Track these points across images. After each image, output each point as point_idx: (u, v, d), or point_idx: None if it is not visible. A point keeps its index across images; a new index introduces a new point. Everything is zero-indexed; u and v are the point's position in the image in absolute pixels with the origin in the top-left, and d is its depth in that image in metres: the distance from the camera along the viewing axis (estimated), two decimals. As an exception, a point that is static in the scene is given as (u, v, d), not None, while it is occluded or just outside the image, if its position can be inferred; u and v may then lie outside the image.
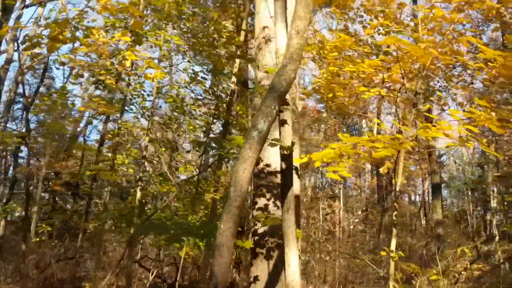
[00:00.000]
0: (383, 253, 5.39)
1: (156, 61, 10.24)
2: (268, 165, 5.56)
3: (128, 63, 6.55)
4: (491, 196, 22.35)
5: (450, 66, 6.33)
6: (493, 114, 4.08)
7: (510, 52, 5.48)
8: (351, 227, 19.41)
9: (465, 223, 27.71)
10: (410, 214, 29.09)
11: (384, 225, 24.41)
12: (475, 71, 6.00)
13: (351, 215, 20.61)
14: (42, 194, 21.16)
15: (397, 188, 5.27)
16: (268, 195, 5.47)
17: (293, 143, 4.25)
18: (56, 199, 21.23)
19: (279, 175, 5.52)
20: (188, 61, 8.69)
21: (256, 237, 5.44)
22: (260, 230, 5.43)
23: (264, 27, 5.91)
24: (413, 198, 33.79)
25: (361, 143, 4.43)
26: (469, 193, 26.63)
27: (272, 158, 5.60)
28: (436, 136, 4.65)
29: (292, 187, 4.22)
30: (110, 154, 9.73)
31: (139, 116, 10.03)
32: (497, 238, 20.51)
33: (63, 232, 15.21)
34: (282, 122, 4.21)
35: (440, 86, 8.15)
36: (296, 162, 5.60)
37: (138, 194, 9.01)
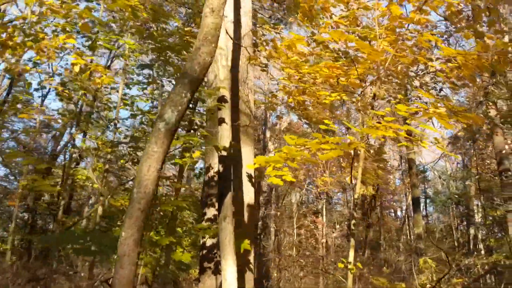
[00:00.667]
0: (340, 265, 4.96)
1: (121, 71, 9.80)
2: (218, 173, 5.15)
3: (76, 68, 6.15)
4: (475, 211, 22.05)
5: (412, 68, 6.01)
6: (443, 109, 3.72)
7: (470, 51, 5.18)
8: (332, 242, 18.94)
9: (451, 238, 27.31)
10: (396, 229, 28.68)
11: (368, 241, 24.00)
12: (437, 72, 5.68)
13: (333, 230, 20.16)
14: (22, 214, 20.42)
15: (355, 196, 4.87)
16: (217, 205, 5.04)
17: (231, 144, 3.85)
18: (36, 219, 20.50)
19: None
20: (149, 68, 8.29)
21: (205, 251, 5.00)
22: (208, 243, 4.99)
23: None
24: (398, 213, 33.46)
25: (308, 145, 4.04)
26: (454, 208, 26.29)
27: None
28: (385, 135, 4.28)
29: (230, 192, 3.81)
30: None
31: (106, 129, 9.61)
32: (482, 252, 20.14)
33: (46, 253, 14.53)
34: (220, 121, 3.82)
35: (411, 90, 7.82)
36: (249, 168, 5.21)
37: (99, 209, 8.53)
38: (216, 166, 5.22)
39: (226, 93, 3.72)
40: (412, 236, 23.76)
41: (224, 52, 3.83)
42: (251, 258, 5.04)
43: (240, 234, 4.87)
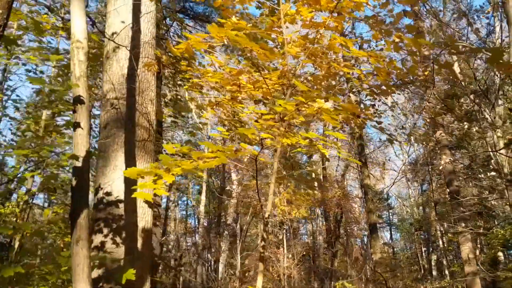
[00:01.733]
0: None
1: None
2: (108, 194, 4.44)
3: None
4: (438, 236, 21.71)
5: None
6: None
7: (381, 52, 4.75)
8: (290, 274, 18.11)
9: (417, 265, 26.85)
10: (361, 257, 28.02)
11: (332, 271, 23.30)
12: (353, 79, 5.24)
13: (295, 261, 19.36)
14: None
15: (266, 215, 4.24)
16: (105, 230, 4.32)
17: (89, 154, 3.19)
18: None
19: (121, 206, 4.42)
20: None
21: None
22: (94, 274, 4.23)
23: (113, 33, 5.01)
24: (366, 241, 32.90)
25: (190, 153, 3.43)
26: (418, 234, 25.92)
27: (115, 185, 4.51)
28: (295, 142, 3.74)
29: (86, 209, 3.11)
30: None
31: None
32: (447, 278, 19.64)
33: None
34: (75, 126, 3.16)
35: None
36: (147, 190, 4.53)
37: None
38: (106, 186, 4.53)
39: (82, 92, 3.11)
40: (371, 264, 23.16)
41: (82, 45, 3.24)
42: (146, 290, 4.31)
43: (128, 262, 4.16)
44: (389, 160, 24.30)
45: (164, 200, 31.78)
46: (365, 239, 31.93)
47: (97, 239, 4.33)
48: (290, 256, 19.86)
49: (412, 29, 5.19)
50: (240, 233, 26.98)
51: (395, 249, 31.24)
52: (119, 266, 4.21)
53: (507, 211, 10.43)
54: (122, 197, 4.43)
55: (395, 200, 32.60)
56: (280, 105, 3.19)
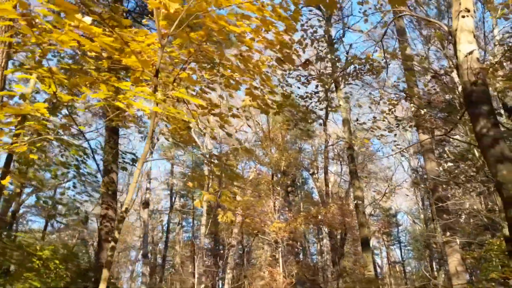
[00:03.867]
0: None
1: None
2: None
3: None
4: (439, 250, 20.18)
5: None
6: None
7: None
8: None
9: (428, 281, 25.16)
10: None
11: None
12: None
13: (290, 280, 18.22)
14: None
15: (123, 208, 3.48)
16: None
17: None
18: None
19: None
20: None
21: None
22: None
23: None
24: (378, 260, 31.21)
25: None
26: (425, 251, 24.35)
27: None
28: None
29: None
30: None
31: None
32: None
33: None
34: None
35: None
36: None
37: None
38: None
39: None
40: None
41: None
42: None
43: None
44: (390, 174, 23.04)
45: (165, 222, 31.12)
46: (375, 257, 30.36)
47: None
48: (286, 275, 18.75)
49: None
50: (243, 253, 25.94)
51: (406, 268, 29.49)
52: None
53: (496, 217, 9.28)
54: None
55: (406, 218, 31.07)
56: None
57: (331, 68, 8.07)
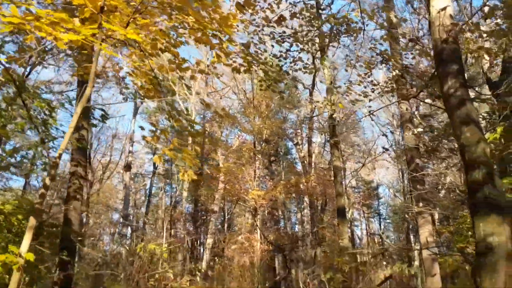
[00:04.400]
0: None
1: None
2: None
3: None
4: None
5: None
6: None
7: None
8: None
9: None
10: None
11: (316, 261, 22.18)
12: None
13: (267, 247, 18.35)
14: None
15: (57, 153, 3.20)
16: None
17: None
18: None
19: None
20: None
21: None
22: None
23: None
24: (358, 232, 31.61)
25: None
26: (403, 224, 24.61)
27: None
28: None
29: None
30: None
31: None
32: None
33: None
34: None
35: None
36: None
37: None
38: None
39: None
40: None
41: None
42: None
43: None
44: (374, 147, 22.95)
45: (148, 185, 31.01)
46: (355, 229, 30.74)
47: None
48: (264, 241, 18.85)
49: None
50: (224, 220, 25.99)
51: (385, 241, 29.87)
52: None
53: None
54: None
55: (388, 192, 31.30)
56: None
57: (309, 30, 7.73)
